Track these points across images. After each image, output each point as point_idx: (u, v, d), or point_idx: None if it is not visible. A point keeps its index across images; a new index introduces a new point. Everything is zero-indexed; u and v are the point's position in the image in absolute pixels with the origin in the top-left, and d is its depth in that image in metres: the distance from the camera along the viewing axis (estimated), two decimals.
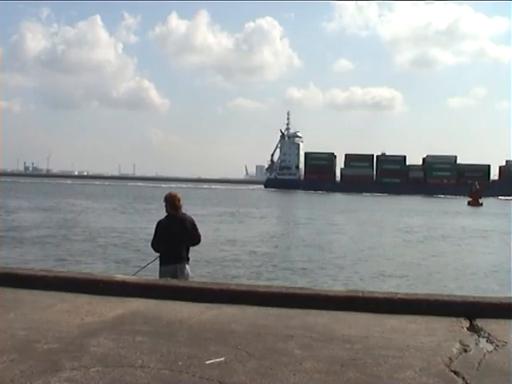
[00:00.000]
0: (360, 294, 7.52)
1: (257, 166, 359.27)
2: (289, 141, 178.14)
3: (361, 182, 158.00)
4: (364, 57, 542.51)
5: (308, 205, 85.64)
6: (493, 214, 72.48)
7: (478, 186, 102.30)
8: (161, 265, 9.45)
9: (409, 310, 7.08)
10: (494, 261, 27.71)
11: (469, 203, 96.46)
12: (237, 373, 4.96)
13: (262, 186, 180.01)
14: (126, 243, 30.32)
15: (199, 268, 20.64)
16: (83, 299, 7.51)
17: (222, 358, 5.32)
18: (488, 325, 6.58)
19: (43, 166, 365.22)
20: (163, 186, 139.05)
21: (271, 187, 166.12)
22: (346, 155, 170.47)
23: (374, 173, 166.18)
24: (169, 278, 8.85)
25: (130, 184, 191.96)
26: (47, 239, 31.52)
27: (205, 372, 4.95)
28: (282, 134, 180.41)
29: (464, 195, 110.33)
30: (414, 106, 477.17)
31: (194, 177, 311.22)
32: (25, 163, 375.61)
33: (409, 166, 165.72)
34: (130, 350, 5.50)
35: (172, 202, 9.59)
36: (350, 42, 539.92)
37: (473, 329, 6.51)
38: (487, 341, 6.09)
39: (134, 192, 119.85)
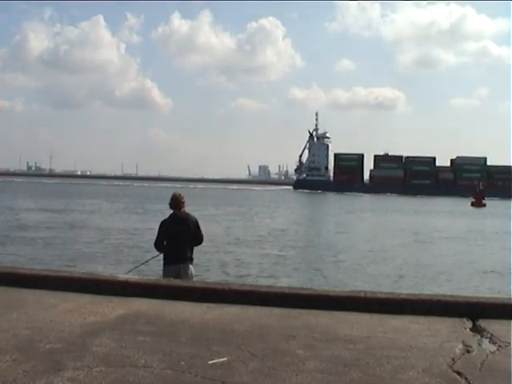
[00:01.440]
0: (362, 295, 7.51)
1: (260, 166, 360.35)
2: (318, 142, 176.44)
3: (390, 184, 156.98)
4: (366, 57, 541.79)
5: (344, 207, 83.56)
6: (497, 214, 72.29)
7: (481, 187, 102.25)
8: (165, 264, 9.48)
9: (411, 311, 7.07)
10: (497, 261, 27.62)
11: (472, 204, 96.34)
12: (239, 373, 4.96)
13: (290, 187, 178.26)
14: (139, 244, 30.16)
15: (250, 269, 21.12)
16: (86, 299, 7.52)
17: (225, 358, 5.32)
18: (491, 325, 6.57)
19: (46, 166, 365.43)
20: (169, 185, 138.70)
21: (300, 188, 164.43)
22: (374, 156, 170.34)
23: (403, 174, 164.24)
24: (172, 278, 8.87)
25: (137, 184, 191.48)
26: (59, 240, 31.51)
27: (207, 372, 4.95)
28: (311, 134, 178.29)
29: (495, 196, 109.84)
30: (416, 106, 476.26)
31: (197, 176, 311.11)
32: (27, 163, 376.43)
33: (438, 167, 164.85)
34: (132, 350, 5.50)
35: (176, 201, 9.62)
36: (353, 42, 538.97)
37: (475, 329, 6.51)
38: (490, 341, 6.09)
39: (142, 192, 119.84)
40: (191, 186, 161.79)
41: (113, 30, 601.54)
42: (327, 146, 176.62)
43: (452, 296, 7.89)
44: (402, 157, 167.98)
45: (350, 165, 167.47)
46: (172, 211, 9.67)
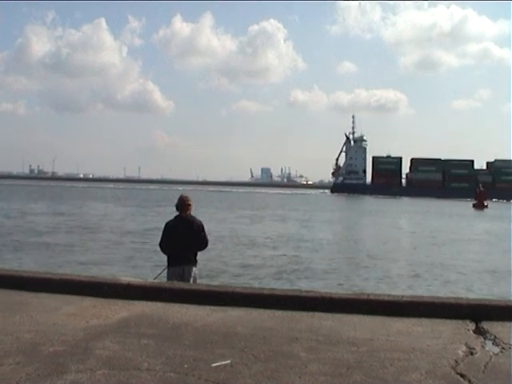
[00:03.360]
0: (365, 297, 7.51)
1: (262, 169, 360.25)
2: (355, 145, 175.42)
3: (429, 187, 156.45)
4: (368, 59, 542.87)
5: (396, 210, 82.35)
6: (499, 216, 72.11)
7: (482, 189, 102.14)
8: (168, 266, 9.49)
9: (414, 313, 7.07)
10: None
11: (474, 206, 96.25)
12: (243, 376, 4.96)
13: (328, 191, 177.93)
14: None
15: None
16: (88, 302, 7.53)
17: (228, 361, 5.32)
18: (494, 327, 6.57)
19: (48, 169, 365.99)
20: (179, 188, 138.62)
21: (338, 192, 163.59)
22: (411, 160, 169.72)
23: (442, 177, 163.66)
24: (175, 281, 8.87)
25: (141, 187, 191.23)
26: (76, 243, 31.44)
27: (211, 375, 4.95)
28: (347, 137, 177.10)
29: None
30: (419, 108, 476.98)
31: (200, 179, 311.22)
32: (30, 166, 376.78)
33: (476, 170, 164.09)
34: (135, 353, 5.50)
35: (182, 204, 9.65)
36: (354, 45, 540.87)
37: (479, 331, 6.50)
38: (493, 343, 6.08)
39: (150, 195, 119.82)
40: (206, 189, 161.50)
41: (115, 33, 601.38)
42: (365, 149, 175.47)
43: (455, 298, 7.89)
44: (440, 159, 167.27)
45: (388, 168, 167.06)
46: (177, 213, 9.68)
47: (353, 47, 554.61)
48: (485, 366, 5.33)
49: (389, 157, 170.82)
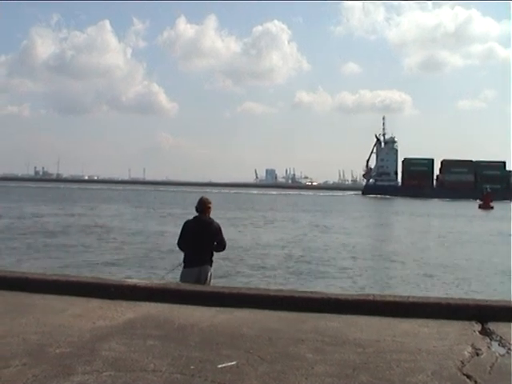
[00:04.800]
0: (371, 298, 7.51)
1: (267, 170, 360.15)
2: (386, 146, 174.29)
3: (460, 188, 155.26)
4: (372, 60, 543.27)
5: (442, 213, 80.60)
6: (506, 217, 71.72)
7: (488, 190, 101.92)
8: (184, 267, 9.55)
9: (421, 314, 7.06)
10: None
11: (480, 207, 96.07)
12: (249, 377, 4.96)
13: (359, 193, 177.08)
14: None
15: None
16: (95, 303, 7.54)
17: (234, 362, 5.32)
18: (500, 328, 6.56)
19: (53, 171, 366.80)
20: (188, 190, 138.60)
21: (370, 194, 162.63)
22: (442, 161, 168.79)
23: (474, 179, 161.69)
24: (180, 282, 8.89)
25: (149, 189, 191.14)
26: (93, 244, 31.77)
27: (217, 376, 4.95)
28: (377, 139, 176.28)
29: None
30: (423, 109, 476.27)
31: (205, 181, 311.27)
32: (35, 168, 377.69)
33: (509, 171, 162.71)
34: (141, 354, 5.51)
35: (203, 205, 9.74)
36: (358, 46, 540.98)
37: (485, 332, 6.49)
38: (499, 344, 6.08)
39: (160, 197, 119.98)
40: (215, 190, 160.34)
41: (119, 35, 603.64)
42: (396, 150, 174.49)
43: (461, 299, 7.89)
44: (471, 161, 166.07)
45: (420, 170, 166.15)
46: (197, 214, 9.76)
47: (357, 48, 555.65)
48: (491, 367, 5.32)
49: (421, 158, 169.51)
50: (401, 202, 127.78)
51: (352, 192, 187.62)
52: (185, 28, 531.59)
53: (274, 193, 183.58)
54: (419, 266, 26.43)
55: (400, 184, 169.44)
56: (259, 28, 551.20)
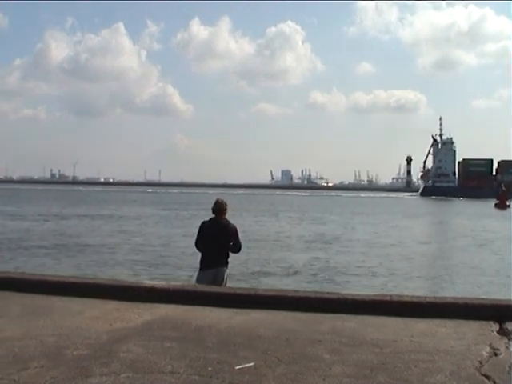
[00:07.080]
0: (388, 298, 7.49)
1: (282, 171, 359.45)
2: (444, 147, 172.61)
3: None
4: (386, 60, 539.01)
5: None
6: None
7: (504, 189, 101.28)
8: (200, 269, 9.61)
9: (438, 314, 7.03)
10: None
11: (496, 205, 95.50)
12: (267, 378, 4.95)
13: (414, 194, 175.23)
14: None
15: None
16: (112, 305, 7.56)
17: (252, 363, 5.33)
18: None
19: (69, 173, 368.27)
20: (210, 192, 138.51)
21: (428, 195, 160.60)
22: (499, 162, 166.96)
23: None
24: (197, 284, 8.92)
25: (170, 191, 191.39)
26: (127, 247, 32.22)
27: (235, 377, 4.96)
28: (434, 139, 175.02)
29: None
30: (438, 108, 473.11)
31: (220, 182, 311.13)
32: (51, 170, 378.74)
33: None
34: (159, 356, 5.52)
35: (219, 207, 9.82)
36: (372, 46, 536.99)
37: (502, 332, 6.45)
38: None
39: (184, 199, 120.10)
40: (241, 191, 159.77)
41: (133, 38, 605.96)
42: (454, 151, 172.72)
43: (478, 299, 7.85)
44: None
45: (479, 170, 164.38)
46: (213, 215, 9.84)
47: (370, 48, 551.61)
48: (509, 367, 5.28)
49: (480, 159, 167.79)
50: (463, 203, 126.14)
51: (407, 194, 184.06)
52: (198, 30, 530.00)
53: (305, 194, 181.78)
54: None
55: (457, 185, 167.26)
56: (273, 29, 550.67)
